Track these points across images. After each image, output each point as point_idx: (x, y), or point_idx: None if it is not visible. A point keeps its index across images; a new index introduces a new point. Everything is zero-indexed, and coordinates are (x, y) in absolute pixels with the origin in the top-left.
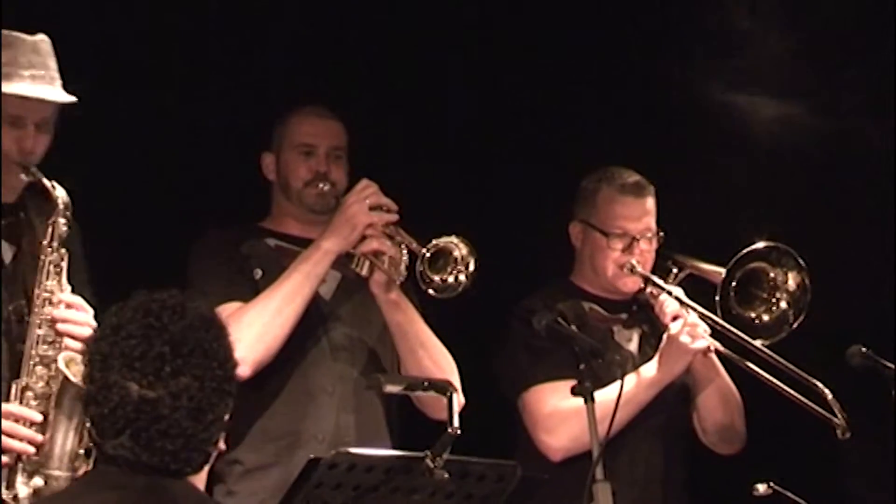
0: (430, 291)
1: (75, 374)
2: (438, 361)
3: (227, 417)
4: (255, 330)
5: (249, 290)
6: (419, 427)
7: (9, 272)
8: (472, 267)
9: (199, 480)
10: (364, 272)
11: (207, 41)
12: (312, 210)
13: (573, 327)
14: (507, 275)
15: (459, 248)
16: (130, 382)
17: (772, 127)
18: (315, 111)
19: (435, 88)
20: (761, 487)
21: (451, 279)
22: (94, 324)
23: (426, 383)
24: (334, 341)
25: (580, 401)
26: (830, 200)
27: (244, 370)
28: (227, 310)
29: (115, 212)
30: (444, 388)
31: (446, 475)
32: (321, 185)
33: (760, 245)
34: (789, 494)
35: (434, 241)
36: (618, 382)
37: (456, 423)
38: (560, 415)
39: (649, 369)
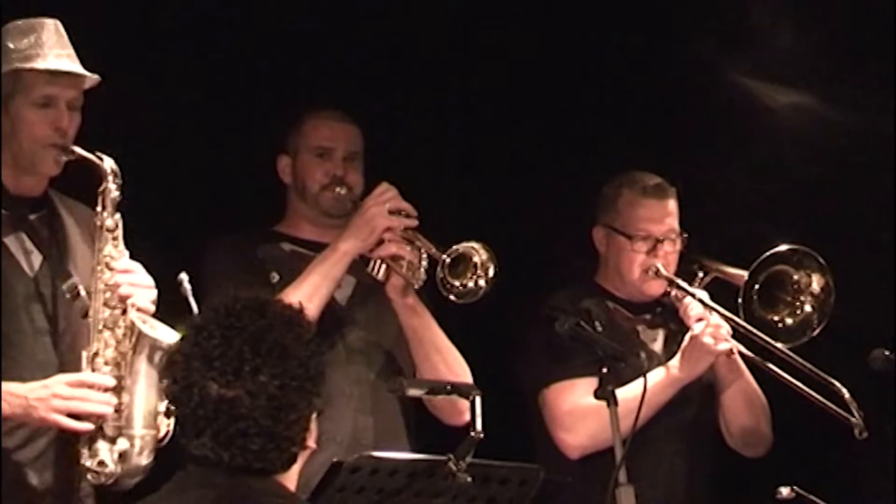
0: (452, 297)
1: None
2: (453, 366)
3: (313, 416)
4: None
5: (267, 295)
6: (435, 429)
7: (55, 254)
8: (491, 272)
9: (290, 479)
10: (381, 276)
11: (223, 40)
12: (328, 214)
13: (597, 324)
14: (528, 280)
15: (479, 254)
16: (210, 382)
17: (792, 125)
18: (332, 114)
19: (453, 91)
20: (784, 491)
21: (471, 284)
22: (152, 284)
23: (449, 387)
24: (350, 345)
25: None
26: (850, 201)
27: None
28: None
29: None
30: (467, 391)
31: (469, 479)
32: (337, 189)
33: (783, 248)
34: (813, 498)
35: (454, 247)
36: (638, 380)
37: (479, 426)
38: (579, 412)
39: (670, 368)
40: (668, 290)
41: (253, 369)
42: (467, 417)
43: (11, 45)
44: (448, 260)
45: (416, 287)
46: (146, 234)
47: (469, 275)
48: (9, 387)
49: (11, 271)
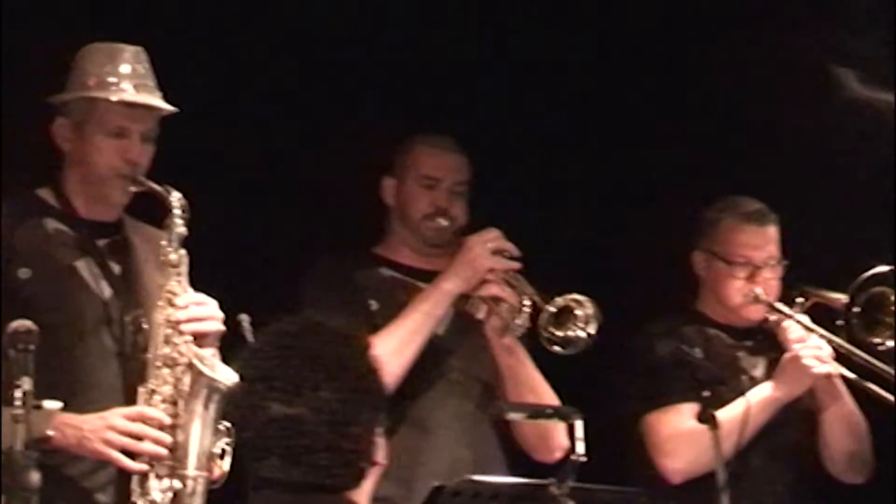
0: (556, 348)
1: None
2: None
3: (378, 430)
4: None
5: (366, 323)
6: (532, 461)
7: (121, 285)
8: (593, 329)
9: (361, 497)
10: (481, 315)
11: (331, 60)
12: (429, 243)
13: (697, 350)
14: (627, 305)
15: (583, 307)
16: (272, 402)
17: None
18: (441, 143)
19: (556, 126)
20: None
21: (571, 334)
22: (221, 314)
23: (550, 410)
24: (449, 376)
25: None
26: None
27: None
28: None
29: (227, 234)
30: (567, 415)
31: (571, 503)
32: (440, 220)
33: (882, 269)
34: None
35: (558, 299)
36: (738, 401)
37: (580, 449)
38: (679, 437)
39: (768, 387)
40: (769, 315)
41: (313, 386)
42: (558, 455)
43: (90, 70)
44: (552, 310)
45: (519, 333)
46: (241, 256)
47: (570, 325)
48: (65, 417)
49: (82, 295)
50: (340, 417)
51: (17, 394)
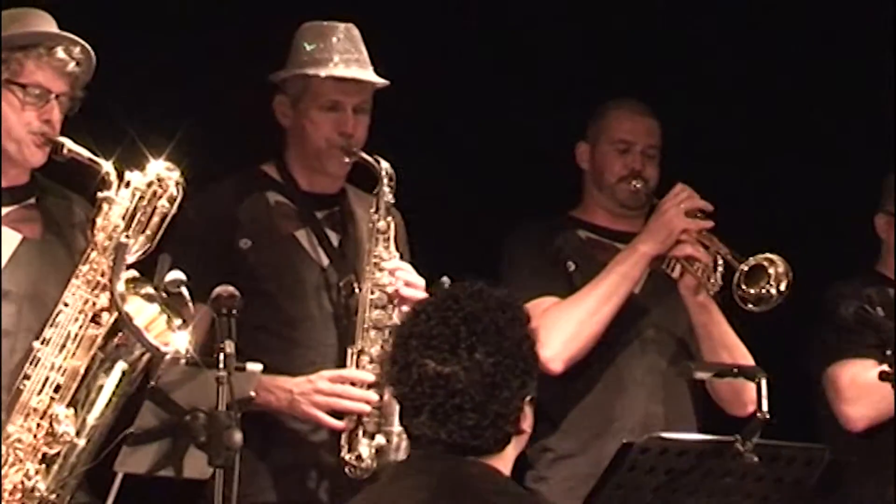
0: (749, 306)
1: None
2: (740, 363)
3: (527, 398)
4: (570, 328)
5: (564, 284)
6: (722, 415)
7: (338, 254)
8: (784, 286)
9: (505, 463)
10: (675, 274)
11: (527, 28)
12: (623, 205)
13: (879, 310)
14: (811, 269)
15: (776, 266)
16: (427, 360)
17: None
18: (634, 108)
19: (735, 83)
20: None
21: (764, 292)
22: (422, 281)
23: (736, 370)
24: (644, 334)
25: None
26: None
27: (556, 366)
28: (542, 304)
29: (428, 201)
30: (753, 374)
31: (756, 459)
32: (634, 183)
33: None
34: None
35: (751, 258)
36: None
37: (765, 408)
38: (861, 385)
39: None
40: None
41: (468, 347)
42: (751, 409)
43: (304, 47)
44: (745, 269)
45: (711, 294)
46: (444, 223)
47: (762, 284)
48: (277, 380)
49: (302, 263)
50: (492, 380)
51: (221, 357)
